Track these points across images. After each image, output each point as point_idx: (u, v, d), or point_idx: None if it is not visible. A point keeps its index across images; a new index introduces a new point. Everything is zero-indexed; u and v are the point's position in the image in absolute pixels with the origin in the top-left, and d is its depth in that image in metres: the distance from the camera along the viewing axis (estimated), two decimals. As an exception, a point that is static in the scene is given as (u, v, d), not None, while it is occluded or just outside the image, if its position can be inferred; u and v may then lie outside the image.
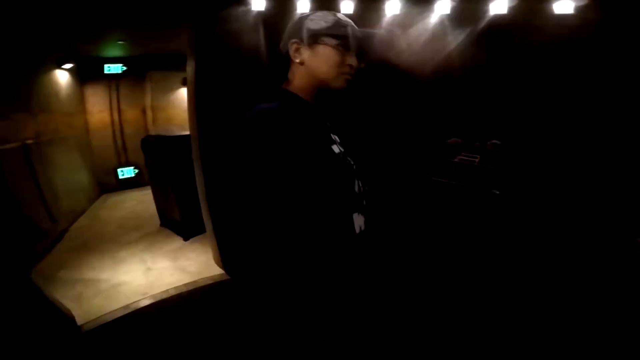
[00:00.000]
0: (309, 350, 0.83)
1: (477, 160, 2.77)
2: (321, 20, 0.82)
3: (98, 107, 5.20)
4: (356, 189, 0.87)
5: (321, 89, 0.86)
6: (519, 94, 2.74)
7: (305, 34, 0.82)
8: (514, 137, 2.77)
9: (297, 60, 0.84)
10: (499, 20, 2.57)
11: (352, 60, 0.84)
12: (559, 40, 2.49)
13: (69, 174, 4.18)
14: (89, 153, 5.05)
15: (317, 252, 0.80)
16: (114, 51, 4.74)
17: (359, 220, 0.86)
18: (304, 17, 0.85)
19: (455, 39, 2.75)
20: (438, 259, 2.52)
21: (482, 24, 2.63)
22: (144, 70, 5.37)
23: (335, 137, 0.90)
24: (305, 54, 0.83)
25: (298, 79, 0.86)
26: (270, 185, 0.72)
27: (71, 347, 1.91)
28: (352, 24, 0.85)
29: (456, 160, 2.84)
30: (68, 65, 4.39)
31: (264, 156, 0.72)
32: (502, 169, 2.65)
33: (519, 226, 2.52)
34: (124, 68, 5.13)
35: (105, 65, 5.03)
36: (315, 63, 0.83)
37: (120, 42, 4.32)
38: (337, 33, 0.81)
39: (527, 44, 2.66)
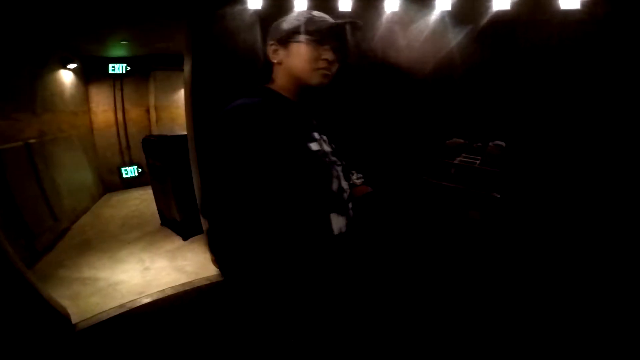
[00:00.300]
0: (293, 351, 0.82)
1: (478, 162, 2.69)
2: (294, 20, 0.83)
3: (102, 106, 5.28)
4: (334, 188, 0.84)
5: (302, 88, 0.86)
6: (522, 93, 2.65)
7: (279, 35, 0.84)
8: (517, 138, 2.68)
9: (275, 61, 0.86)
10: (502, 16, 2.49)
11: (327, 55, 0.82)
12: (565, 36, 2.40)
13: (73, 172, 4.23)
14: (93, 152, 5.11)
15: (289, 251, 0.78)
16: (118, 51, 4.80)
17: (338, 222, 0.83)
18: (280, 20, 0.87)
19: (457, 36, 2.68)
20: (434, 265, 2.45)
21: (485, 20, 2.55)
22: (148, 70, 5.43)
23: (319, 136, 0.87)
24: (282, 53, 0.85)
25: (279, 79, 0.87)
26: (242, 179, 0.72)
27: (64, 346, 1.92)
28: (328, 18, 0.84)
29: (456, 162, 2.76)
30: (72, 65, 4.46)
31: (234, 149, 0.72)
32: (504, 172, 2.57)
33: (521, 232, 2.44)
34: (128, 68, 5.18)
35: (110, 65, 5.09)
36: (290, 61, 0.84)
37: (123, 42, 4.36)
38: (308, 29, 0.81)
39: (531, 40, 2.57)
